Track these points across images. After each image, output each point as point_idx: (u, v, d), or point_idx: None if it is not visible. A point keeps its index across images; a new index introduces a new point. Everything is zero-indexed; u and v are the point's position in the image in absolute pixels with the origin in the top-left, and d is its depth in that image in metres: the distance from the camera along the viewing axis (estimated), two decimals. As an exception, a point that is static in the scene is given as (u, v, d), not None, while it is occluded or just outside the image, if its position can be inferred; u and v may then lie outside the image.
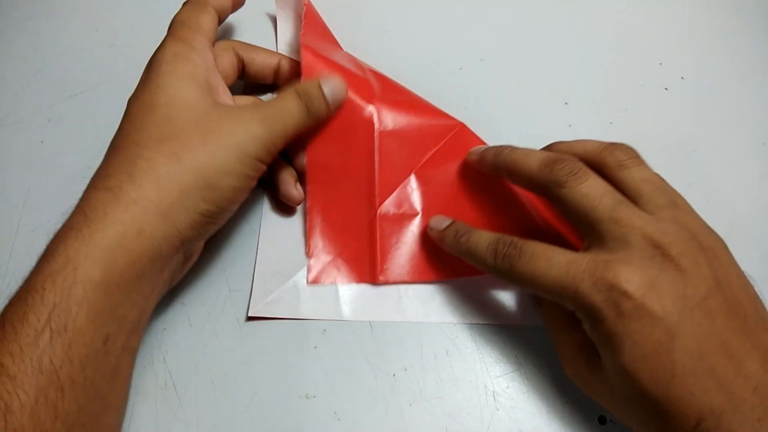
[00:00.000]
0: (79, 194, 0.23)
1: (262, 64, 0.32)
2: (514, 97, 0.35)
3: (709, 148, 0.34)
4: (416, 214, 0.30)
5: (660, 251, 0.21)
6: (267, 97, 0.34)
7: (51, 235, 0.22)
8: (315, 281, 0.29)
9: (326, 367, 0.27)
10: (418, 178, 0.31)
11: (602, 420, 0.27)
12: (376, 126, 0.30)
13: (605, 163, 0.25)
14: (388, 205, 0.30)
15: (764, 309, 0.22)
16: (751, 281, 0.23)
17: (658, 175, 0.25)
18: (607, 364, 0.22)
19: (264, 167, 0.26)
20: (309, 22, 0.33)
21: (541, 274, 0.22)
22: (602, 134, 0.34)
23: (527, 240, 0.24)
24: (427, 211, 0.30)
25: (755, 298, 0.22)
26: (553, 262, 0.22)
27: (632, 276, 0.21)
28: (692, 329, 0.20)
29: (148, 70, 0.26)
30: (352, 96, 0.30)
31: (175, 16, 0.28)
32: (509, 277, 0.24)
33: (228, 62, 0.30)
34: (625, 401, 0.22)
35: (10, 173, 0.33)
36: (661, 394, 0.20)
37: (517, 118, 0.34)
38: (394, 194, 0.30)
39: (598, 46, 0.38)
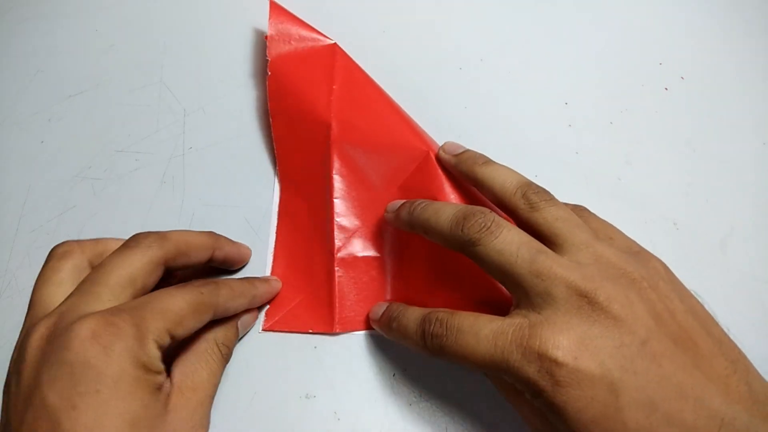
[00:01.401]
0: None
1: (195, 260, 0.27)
2: (514, 97, 0.35)
3: (709, 148, 0.34)
4: (377, 257, 0.29)
5: (587, 300, 0.20)
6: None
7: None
8: (270, 329, 0.28)
9: (326, 367, 0.27)
10: (380, 218, 0.29)
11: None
12: (334, 167, 0.29)
13: (517, 206, 0.24)
14: (349, 249, 0.29)
15: (718, 328, 0.21)
16: (699, 299, 0.22)
17: (572, 213, 0.24)
18: (561, 430, 0.20)
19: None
20: (276, 12, 0.32)
21: (470, 352, 0.21)
22: (602, 134, 0.34)
23: (455, 312, 0.22)
24: (389, 252, 0.29)
25: (706, 320, 0.21)
26: (480, 335, 0.21)
27: (560, 339, 0.19)
28: (637, 380, 0.19)
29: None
30: (310, 143, 0.29)
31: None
32: (443, 358, 0.22)
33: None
34: None
35: (10, 173, 0.33)
36: None
37: (517, 118, 0.34)
38: (355, 237, 0.29)
39: (599, 46, 0.38)
